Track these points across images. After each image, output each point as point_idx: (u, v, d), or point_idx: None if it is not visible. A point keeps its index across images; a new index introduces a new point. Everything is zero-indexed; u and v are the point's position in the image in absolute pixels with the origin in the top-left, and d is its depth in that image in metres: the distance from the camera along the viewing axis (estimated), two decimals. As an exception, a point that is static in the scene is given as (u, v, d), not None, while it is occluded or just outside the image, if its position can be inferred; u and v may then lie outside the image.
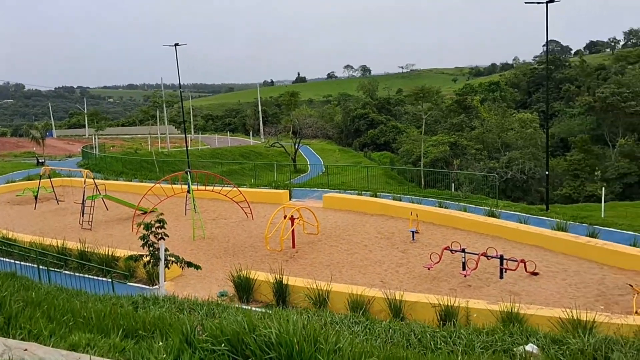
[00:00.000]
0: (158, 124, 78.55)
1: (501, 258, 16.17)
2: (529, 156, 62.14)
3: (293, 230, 20.31)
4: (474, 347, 7.38)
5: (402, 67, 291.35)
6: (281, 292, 14.64)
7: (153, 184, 26.05)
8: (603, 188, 36.57)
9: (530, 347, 6.69)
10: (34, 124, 72.04)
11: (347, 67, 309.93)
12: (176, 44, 42.37)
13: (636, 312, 12.77)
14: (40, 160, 51.34)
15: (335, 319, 9.87)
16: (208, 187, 26.13)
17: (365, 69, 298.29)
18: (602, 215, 31.51)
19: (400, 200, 26.56)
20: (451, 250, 17.20)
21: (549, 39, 31.42)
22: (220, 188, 26.08)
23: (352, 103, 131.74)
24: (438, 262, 16.86)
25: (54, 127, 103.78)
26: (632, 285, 14.40)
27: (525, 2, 27.50)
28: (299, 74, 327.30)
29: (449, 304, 12.41)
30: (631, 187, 61.86)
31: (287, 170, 59.53)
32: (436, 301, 12.71)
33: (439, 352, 7.22)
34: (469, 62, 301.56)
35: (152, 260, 12.12)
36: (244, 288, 15.23)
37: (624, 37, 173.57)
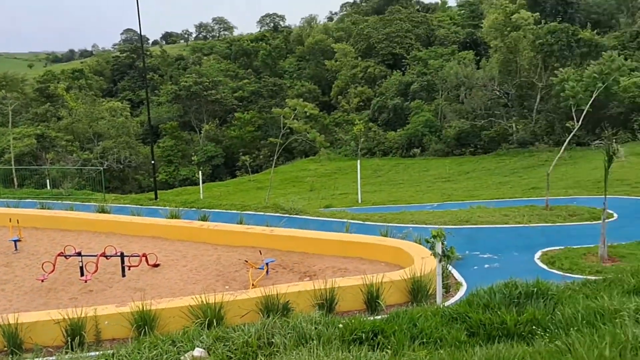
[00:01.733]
0: None
1: (122, 255, 15.46)
2: (123, 145, 61.99)
3: None
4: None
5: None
6: None
7: None
8: (200, 172, 39.17)
9: (198, 352, 6.42)
10: None
11: None
12: None
13: (253, 285, 13.97)
14: None
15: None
16: None
17: None
18: (201, 197, 33.89)
19: (-8, 206, 22.78)
20: (66, 256, 15.57)
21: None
22: None
23: None
24: (52, 271, 15.03)
25: None
26: (246, 261, 15.74)
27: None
28: None
29: (75, 317, 11.17)
30: (219, 168, 68.50)
31: None
32: (60, 316, 11.27)
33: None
34: (44, 47, 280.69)
35: None
36: None
37: (196, 30, 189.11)
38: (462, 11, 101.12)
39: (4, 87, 53.50)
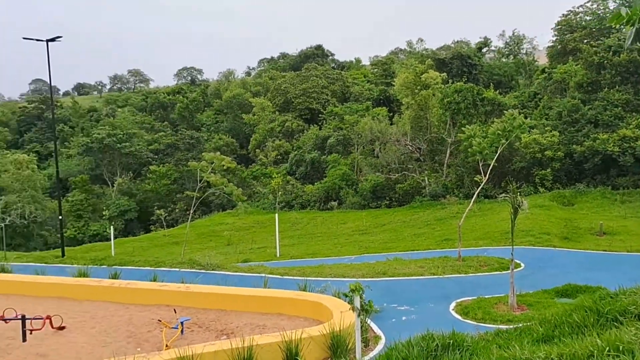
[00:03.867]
0: None
1: (23, 318, 14.36)
2: (29, 199, 58.82)
3: None
4: None
5: None
6: None
7: None
8: (112, 227, 37.63)
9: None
10: None
11: None
12: None
13: (167, 346, 13.38)
14: None
15: None
16: None
17: None
18: (113, 253, 32.43)
19: None
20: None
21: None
22: None
23: None
24: (-59, 339, 13.70)
25: None
26: (160, 320, 15.09)
27: (24, 38, 26.03)
28: None
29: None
30: (132, 222, 66.04)
31: None
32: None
33: None
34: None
35: None
36: None
37: (110, 82, 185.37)
38: (375, 69, 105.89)
39: None
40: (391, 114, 71.45)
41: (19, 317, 14.39)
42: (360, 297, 12.00)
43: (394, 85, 66.43)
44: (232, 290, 16.91)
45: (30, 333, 14.45)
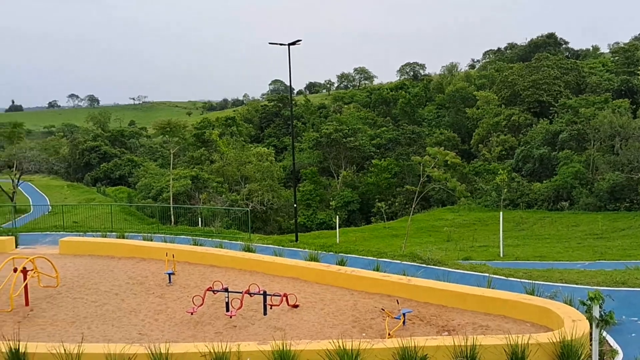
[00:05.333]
0: None
1: (264, 294, 16.05)
2: (267, 188, 65.30)
3: (26, 285, 17.24)
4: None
5: (133, 99, 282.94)
6: (18, 362, 12.08)
7: None
8: (337, 216, 39.95)
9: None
10: None
11: (72, 96, 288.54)
12: None
13: (389, 334, 13.74)
14: None
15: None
16: None
17: (92, 99, 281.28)
18: (338, 241, 34.43)
19: (152, 240, 24.92)
20: (213, 291, 16.51)
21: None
22: None
23: (80, 135, 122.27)
24: (201, 305, 16.00)
25: None
26: (383, 309, 15.58)
27: (270, 43, 28.88)
28: (13, 102, 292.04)
29: (220, 351, 11.73)
30: (354, 213, 69.34)
31: (6, 211, 51.82)
32: (206, 349, 11.90)
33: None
34: (201, 97, 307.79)
35: None
36: (-34, 365, 12.20)
37: (338, 80, 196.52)
38: (616, 58, 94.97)
39: (168, 133, 59.24)
40: (634, 107, 63.53)
41: (261, 292, 16.10)
42: (600, 307, 10.91)
43: (638, 75, 58.84)
44: (454, 287, 16.68)
45: (270, 308, 16.08)
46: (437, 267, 21.64)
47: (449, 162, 34.65)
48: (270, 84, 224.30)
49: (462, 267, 22.25)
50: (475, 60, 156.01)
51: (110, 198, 75.58)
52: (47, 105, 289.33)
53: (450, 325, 14.79)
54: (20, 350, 12.10)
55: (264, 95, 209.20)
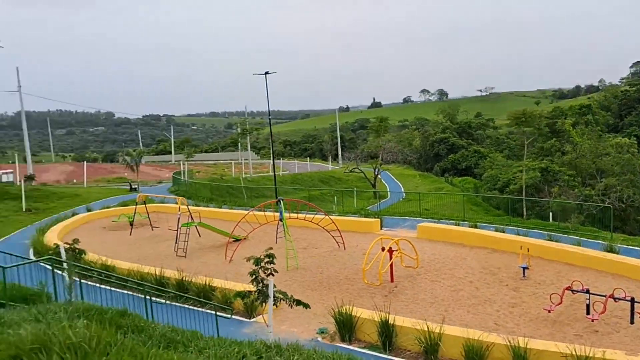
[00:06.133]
0: (240, 150, 79.95)
1: (632, 301, 14.46)
2: (627, 183, 58.21)
3: (391, 264, 19.30)
4: None
5: (480, 90, 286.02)
6: (387, 332, 13.64)
7: (246, 212, 25.86)
8: None
9: None
10: (128, 150, 74.26)
11: (424, 91, 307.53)
12: (266, 72, 42.81)
13: None
14: (133, 186, 52.85)
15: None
16: (299, 215, 25.69)
17: (442, 93, 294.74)
18: None
19: (504, 232, 24.96)
20: (572, 291, 15.63)
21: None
22: (312, 216, 25.53)
23: (430, 127, 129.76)
24: (559, 303, 15.33)
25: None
26: None
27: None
28: (374, 99, 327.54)
29: (583, 354, 11.05)
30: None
31: (368, 196, 58.66)
32: (567, 350, 11.36)
33: None
34: (550, 85, 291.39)
35: (260, 297, 11.52)
36: (346, 326, 14.36)
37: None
38: None
39: (522, 123, 58.14)
40: None
41: (629, 298, 14.54)
42: None
43: None
44: None
45: (639, 316, 14.41)
46: None
47: None
48: (631, 67, 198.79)
49: None
50: None
51: (457, 188, 78.14)
52: (401, 101, 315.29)
53: None
54: (389, 322, 13.63)
55: (622, 79, 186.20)
